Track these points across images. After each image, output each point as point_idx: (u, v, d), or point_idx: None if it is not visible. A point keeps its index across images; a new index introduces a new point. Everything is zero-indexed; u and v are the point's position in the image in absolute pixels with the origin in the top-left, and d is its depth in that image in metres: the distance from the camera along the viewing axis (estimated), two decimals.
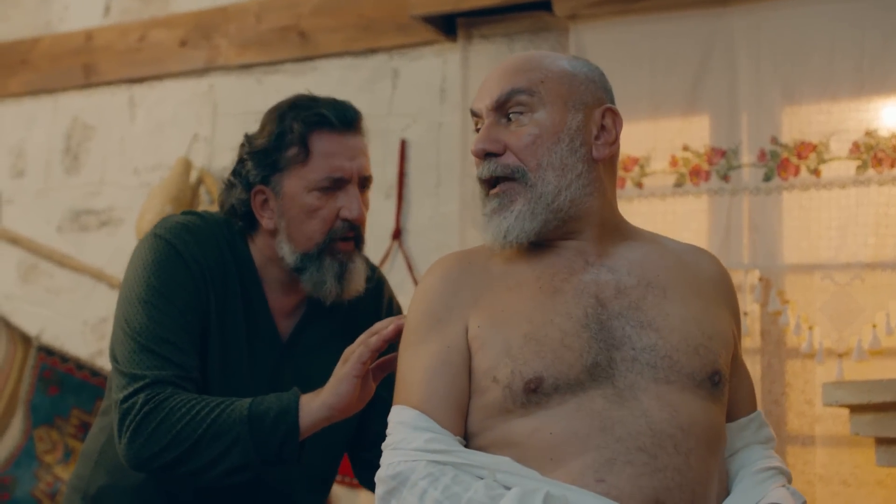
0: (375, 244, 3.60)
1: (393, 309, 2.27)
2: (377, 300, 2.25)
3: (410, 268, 3.55)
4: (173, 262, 2.02)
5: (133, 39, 4.14)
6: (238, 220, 2.12)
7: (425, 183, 3.61)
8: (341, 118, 2.08)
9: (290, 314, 2.15)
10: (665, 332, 1.66)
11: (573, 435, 1.57)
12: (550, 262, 1.71)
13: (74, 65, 4.25)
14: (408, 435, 1.62)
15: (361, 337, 1.87)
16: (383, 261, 3.59)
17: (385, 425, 2.09)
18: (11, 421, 3.97)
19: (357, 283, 2.11)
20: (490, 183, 1.75)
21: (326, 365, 2.06)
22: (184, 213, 2.16)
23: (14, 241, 4.27)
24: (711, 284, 1.79)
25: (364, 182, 2.12)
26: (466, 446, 1.64)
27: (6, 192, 4.38)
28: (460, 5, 3.42)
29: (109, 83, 4.21)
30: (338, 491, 3.55)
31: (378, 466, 2.07)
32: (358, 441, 2.20)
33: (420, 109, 3.65)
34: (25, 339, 4.05)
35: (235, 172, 2.12)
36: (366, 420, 2.15)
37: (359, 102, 3.66)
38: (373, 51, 3.73)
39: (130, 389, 1.92)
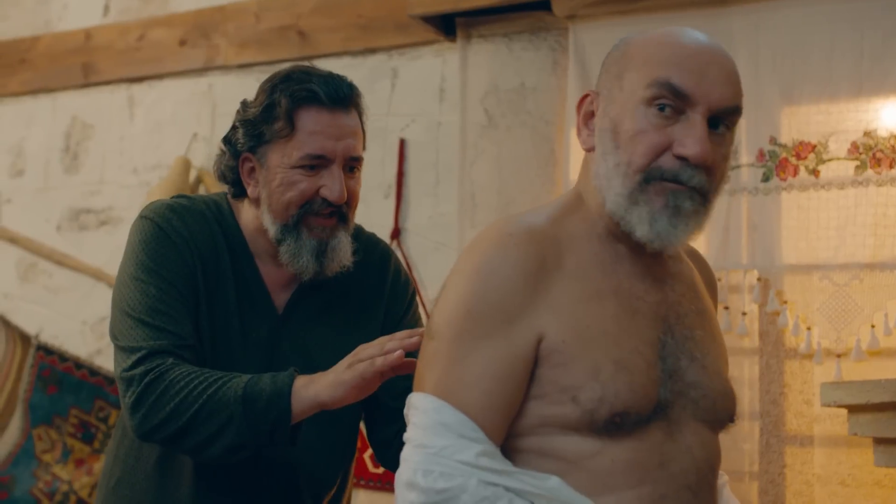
0: None
1: (400, 281, 2.23)
2: (382, 273, 2.21)
3: (409, 267, 3.55)
4: (159, 239, 2.02)
5: (132, 39, 4.14)
6: (230, 187, 2.12)
7: (424, 182, 3.61)
8: (332, 95, 2.04)
9: (286, 286, 2.12)
10: (709, 370, 1.64)
11: (635, 466, 1.53)
12: (624, 272, 1.62)
13: (73, 64, 4.25)
14: (454, 442, 1.50)
15: (373, 348, 1.83)
16: None
17: (394, 397, 2.05)
18: (10, 420, 3.97)
19: (339, 260, 2.06)
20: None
21: (323, 336, 2.05)
22: (173, 196, 2.17)
23: (13, 240, 4.28)
24: (711, 295, 1.79)
25: (352, 163, 2.07)
26: (503, 444, 1.56)
27: (5, 192, 4.38)
28: (459, 5, 3.42)
29: (108, 82, 4.22)
30: None
31: (395, 443, 1.99)
32: (371, 417, 2.17)
33: (419, 109, 3.65)
34: (24, 339, 4.05)
35: (226, 139, 2.12)
36: (379, 394, 2.06)
37: None
38: (372, 50, 3.73)
39: (130, 361, 1.93)
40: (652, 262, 1.65)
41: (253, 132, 2.06)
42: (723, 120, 1.59)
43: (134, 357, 1.93)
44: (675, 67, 1.57)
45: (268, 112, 2.04)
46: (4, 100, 4.43)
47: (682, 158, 1.55)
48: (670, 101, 1.56)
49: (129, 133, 4.17)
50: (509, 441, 1.56)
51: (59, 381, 3.97)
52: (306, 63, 2.14)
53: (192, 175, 3.87)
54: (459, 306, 1.56)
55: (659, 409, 1.56)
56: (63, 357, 4.00)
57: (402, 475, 1.53)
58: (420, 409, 1.55)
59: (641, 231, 1.57)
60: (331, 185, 2.03)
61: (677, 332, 1.62)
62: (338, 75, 2.10)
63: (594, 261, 1.61)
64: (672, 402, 1.58)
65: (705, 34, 1.65)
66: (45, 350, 4.00)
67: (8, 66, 4.39)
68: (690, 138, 1.54)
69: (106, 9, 4.31)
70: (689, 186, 1.56)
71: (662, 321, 1.61)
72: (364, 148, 2.13)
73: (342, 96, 2.05)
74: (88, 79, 4.23)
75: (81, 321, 4.11)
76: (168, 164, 3.98)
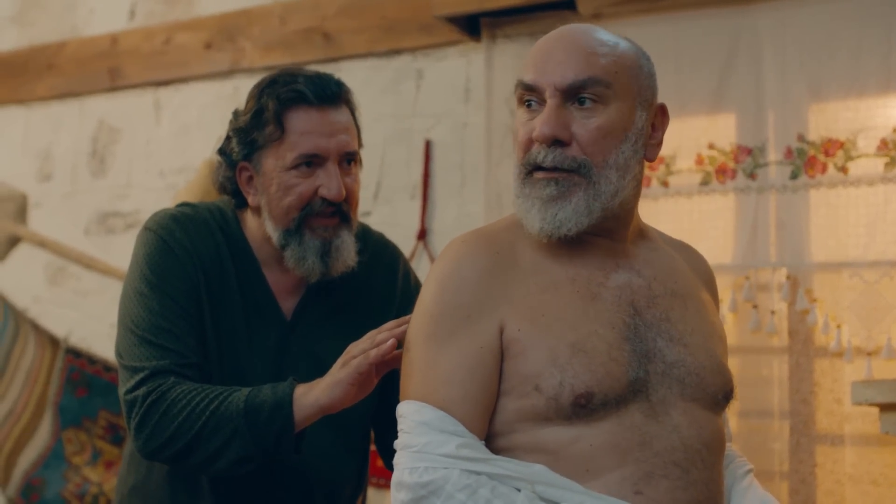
0: (401, 244, 3.58)
1: (410, 283, 2.23)
2: (391, 276, 2.21)
3: None
4: (163, 252, 2.03)
5: (158, 43, 4.16)
6: (231, 198, 2.12)
7: (450, 183, 3.61)
8: (319, 93, 2.04)
9: (293, 292, 2.12)
10: (692, 348, 1.65)
11: (614, 448, 1.55)
12: (582, 262, 1.66)
13: (100, 68, 4.28)
14: (435, 438, 1.55)
15: (364, 343, 1.84)
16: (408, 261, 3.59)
17: None
18: (40, 423, 4.00)
19: (344, 259, 2.06)
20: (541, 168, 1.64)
21: (333, 340, 2.05)
22: (177, 205, 2.17)
23: (42, 244, 4.30)
24: (706, 287, 1.81)
25: (348, 158, 2.07)
26: (489, 446, 1.60)
27: (34, 196, 4.41)
28: (484, 5, 3.42)
29: (135, 86, 4.24)
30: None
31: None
32: (379, 422, 2.18)
33: (444, 110, 3.65)
34: (53, 342, 4.08)
35: (221, 150, 2.12)
36: (385, 400, 2.09)
37: (383, 103, 3.72)
38: (397, 52, 3.74)
39: (133, 382, 1.94)
40: (613, 249, 1.69)
41: (245, 140, 2.07)
42: (582, 94, 1.62)
43: (137, 377, 1.94)
44: (525, 67, 1.66)
45: (257, 118, 2.05)
46: (32, 105, 4.46)
47: (540, 142, 1.62)
48: (530, 97, 1.64)
49: (155, 136, 4.19)
50: (493, 442, 1.60)
51: (88, 383, 3.99)
52: (293, 66, 2.13)
53: None
54: (425, 314, 1.64)
55: (635, 391, 1.58)
56: (92, 360, 4.02)
57: (393, 479, 1.59)
58: (404, 415, 1.61)
59: (527, 226, 1.64)
60: (328, 183, 2.03)
61: (648, 314, 1.65)
62: (325, 74, 2.10)
63: (549, 255, 1.66)
64: (654, 383, 1.60)
65: (574, 25, 1.71)
66: (74, 353, 4.03)
67: (35, 72, 4.42)
68: (538, 121, 1.62)
69: (132, 13, 4.33)
70: (550, 168, 1.61)
71: (628, 305, 1.64)
72: (360, 145, 2.12)
73: (330, 93, 2.05)
74: (115, 83, 4.25)
75: (110, 324, 4.12)
76: (194, 167, 4.00)
